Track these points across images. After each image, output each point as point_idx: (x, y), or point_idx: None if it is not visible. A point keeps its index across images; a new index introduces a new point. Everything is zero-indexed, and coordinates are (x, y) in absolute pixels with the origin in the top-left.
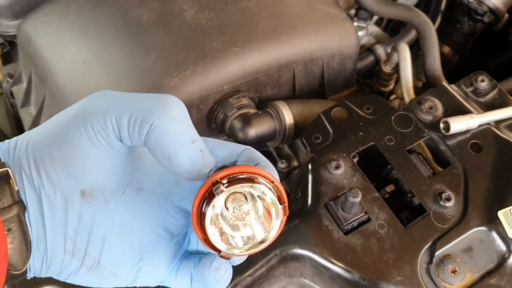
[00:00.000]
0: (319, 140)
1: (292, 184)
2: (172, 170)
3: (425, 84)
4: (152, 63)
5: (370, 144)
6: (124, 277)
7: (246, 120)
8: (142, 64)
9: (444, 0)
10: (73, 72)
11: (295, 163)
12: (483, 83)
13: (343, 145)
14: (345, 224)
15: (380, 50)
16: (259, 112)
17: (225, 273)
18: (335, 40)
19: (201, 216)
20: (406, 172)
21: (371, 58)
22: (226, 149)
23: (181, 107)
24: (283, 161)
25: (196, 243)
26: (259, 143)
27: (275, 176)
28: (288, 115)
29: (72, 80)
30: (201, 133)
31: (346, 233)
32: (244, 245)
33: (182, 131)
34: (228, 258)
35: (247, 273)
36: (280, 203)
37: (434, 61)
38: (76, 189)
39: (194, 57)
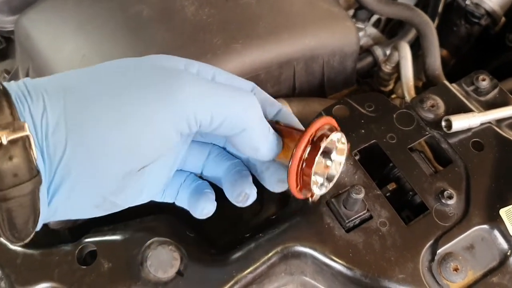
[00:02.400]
0: None
1: None
2: (257, 157)
3: (425, 83)
4: None
5: (372, 142)
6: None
7: None
8: None
9: (441, 3)
10: (71, 68)
11: None
12: (484, 82)
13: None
14: (347, 221)
15: (379, 52)
16: None
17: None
18: (335, 38)
19: (306, 164)
20: (408, 170)
21: (369, 59)
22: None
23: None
24: None
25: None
26: None
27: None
28: None
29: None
30: None
31: (348, 230)
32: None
33: (264, 127)
34: (315, 201)
35: (248, 270)
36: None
37: (435, 61)
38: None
39: (194, 53)
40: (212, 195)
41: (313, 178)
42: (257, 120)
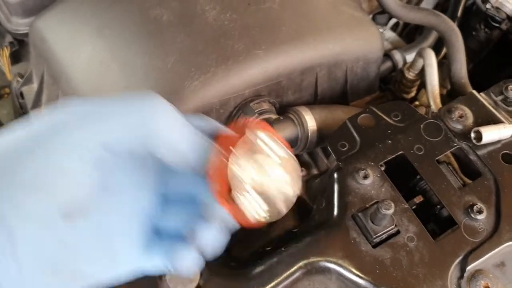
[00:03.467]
0: (345, 148)
1: (313, 193)
2: (187, 166)
3: (450, 91)
4: (172, 65)
5: (399, 153)
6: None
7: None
8: (162, 65)
9: (460, 7)
10: (89, 72)
11: (315, 171)
12: None
13: (370, 153)
14: (374, 236)
15: (398, 56)
16: (281, 118)
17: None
18: (359, 44)
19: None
20: (435, 183)
21: (388, 64)
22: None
23: (167, 106)
24: (303, 169)
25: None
26: None
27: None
28: (311, 121)
29: (88, 81)
30: None
31: (375, 246)
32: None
33: (181, 126)
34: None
35: (270, 285)
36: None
37: (461, 68)
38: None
39: (215, 59)
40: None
41: (245, 195)
42: (169, 127)
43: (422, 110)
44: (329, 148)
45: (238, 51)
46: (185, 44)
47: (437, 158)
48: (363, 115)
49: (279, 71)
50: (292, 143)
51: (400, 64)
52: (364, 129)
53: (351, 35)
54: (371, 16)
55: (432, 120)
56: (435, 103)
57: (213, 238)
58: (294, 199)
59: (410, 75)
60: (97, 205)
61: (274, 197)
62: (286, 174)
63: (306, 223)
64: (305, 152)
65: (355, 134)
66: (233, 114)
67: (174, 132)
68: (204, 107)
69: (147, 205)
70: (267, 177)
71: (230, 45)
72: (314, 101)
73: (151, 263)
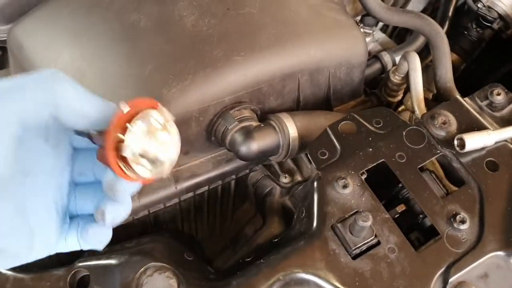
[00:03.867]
0: (325, 156)
1: (296, 201)
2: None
3: (436, 96)
4: (149, 73)
5: (380, 161)
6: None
7: (248, 133)
8: (139, 73)
9: (452, 7)
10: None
11: (299, 178)
12: (499, 96)
13: (351, 162)
14: (353, 248)
15: (387, 58)
16: (262, 125)
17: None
18: (342, 48)
19: (117, 149)
20: (418, 192)
21: (377, 66)
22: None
23: (70, 80)
24: (286, 175)
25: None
26: (261, 158)
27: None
28: (292, 128)
29: None
30: (201, 147)
31: (354, 257)
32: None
33: (84, 96)
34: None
35: None
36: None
37: (446, 73)
38: None
39: (193, 66)
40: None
41: (131, 157)
42: (70, 96)
43: (407, 115)
44: (309, 156)
45: (216, 57)
46: (163, 51)
47: (419, 166)
48: (344, 122)
49: (259, 78)
50: (274, 150)
51: (389, 65)
52: (344, 137)
53: (333, 40)
54: (358, 18)
55: (414, 127)
56: (419, 108)
57: (117, 211)
58: (176, 159)
59: (396, 78)
60: (13, 185)
61: (159, 158)
62: (170, 138)
63: (287, 233)
64: (288, 158)
65: (335, 142)
66: (213, 121)
67: (78, 99)
68: (183, 115)
69: (60, 186)
70: (154, 140)
71: (208, 51)
72: (297, 107)
73: (65, 243)
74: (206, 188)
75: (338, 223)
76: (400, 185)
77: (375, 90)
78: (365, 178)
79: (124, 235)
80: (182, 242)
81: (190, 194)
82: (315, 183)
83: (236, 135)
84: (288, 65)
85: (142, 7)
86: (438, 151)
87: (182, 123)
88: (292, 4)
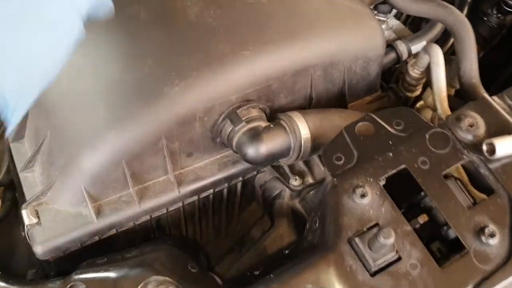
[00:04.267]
0: (341, 162)
1: (307, 205)
2: None
3: (459, 92)
4: (150, 68)
5: (401, 167)
6: None
7: (256, 135)
8: (139, 68)
9: None
10: (59, 75)
11: (310, 180)
12: None
13: (369, 167)
14: (372, 264)
15: (402, 47)
16: (271, 125)
17: None
18: (358, 41)
19: None
20: (442, 201)
21: (392, 56)
22: None
23: None
24: (296, 177)
25: None
26: (271, 160)
27: None
28: (304, 129)
29: (59, 85)
30: (205, 148)
31: (373, 274)
32: None
33: None
34: None
35: None
36: None
37: (471, 67)
38: None
39: (197, 62)
40: None
41: None
42: None
43: (428, 113)
44: (323, 161)
45: (222, 52)
46: (164, 45)
47: (444, 172)
48: (361, 123)
49: (268, 74)
50: (284, 152)
51: (404, 55)
52: (362, 140)
53: (349, 32)
54: (372, 7)
55: (438, 130)
56: (442, 107)
57: None
58: None
59: (415, 72)
60: None
61: None
62: None
63: (298, 244)
64: (299, 161)
65: (351, 146)
66: (219, 121)
67: None
68: (186, 116)
69: None
70: None
71: (213, 45)
72: (309, 104)
73: None
74: (211, 191)
75: (356, 236)
76: (422, 193)
77: (392, 85)
78: (384, 186)
79: (125, 241)
80: (186, 250)
81: (195, 198)
82: (330, 192)
83: (243, 137)
84: (300, 59)
85: None
86: (465, 156)
87: (185, 124)
88: None
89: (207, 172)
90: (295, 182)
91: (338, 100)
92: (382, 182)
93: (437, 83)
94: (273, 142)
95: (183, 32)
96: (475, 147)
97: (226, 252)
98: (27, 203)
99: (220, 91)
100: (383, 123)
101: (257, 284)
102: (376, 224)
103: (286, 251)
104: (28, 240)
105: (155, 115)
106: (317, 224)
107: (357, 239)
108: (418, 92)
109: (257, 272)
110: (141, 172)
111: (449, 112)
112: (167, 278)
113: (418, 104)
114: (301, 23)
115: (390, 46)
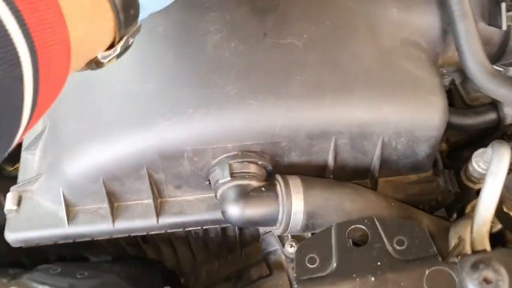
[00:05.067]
0: (313, 265)
1: None
2: None
3: None
4: (147, 94)
5: None
6: None
7: (242, 195)
8: (138, 91)
9: None
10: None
11: None
12: None
13: (341, 286)
14: None
15: (508, 110)
16: (263, 188)
17: None
18: (405, 116)
19: None
20: None
21: (491, 116)
22: None
23: None
24: (293, 243)
25: None
26: (252, 225)
27: None
28: (298, 204)
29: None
30: (195, 185)
31: None
32: None
33: None
34: None
35: None
36: None
37: None
38: None
39: (197, 99)
40: None
41: None
42: None
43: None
44: (294, 258)
45: (227, 95)
46: (170, 72)
47: None
48: (356, 225)
49: (276, 131)
50: (269, 222)
51: (508, 119)
52: (348, 247)
53: (395, 102)
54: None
55: (445, 270)
56: (476, 243)
57: None
58: None
59: (480, 167)
60: None
61: None
62: None
63: None
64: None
65: (334, 250)
66: (210, 165)
67: None
68: (173, 152)
69: None
70: None
71: (221, 85)
72: (332, 168)
73: None
74: (198, 228)
75: None
76: None
77: (447, 170)
78: None
79: (102, 249)
80: (153, 280)
81: (179, 229)
82: None
83: (228, 192)
84: (320, 123)
85: (167, 10)
86: None
87: (171, 160)
88: (357, 44)
89: (193, 209)
90: (290, 249)
91: (369, 171)
92: None
93: (482, 208)
94: (257, 209)
95: (194, 62)
96: None
97: (224, 278)
98: (15, 186)
99: (215, 137)
100: (382, 235)
101: None
102: None
103: None
104: None
105: (138, 144)
106: None
107: None
108: (481, 185)
109: None
110: (122, 192)
111: (488, 247)
112: None
113: (468, 209)
114: (336, 81)
115: (491, 104)
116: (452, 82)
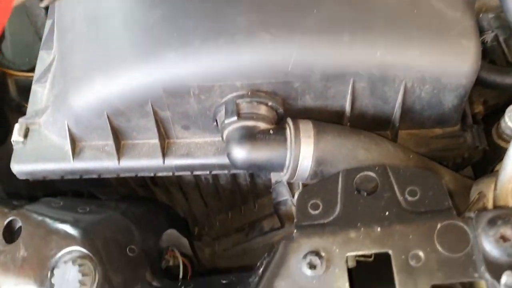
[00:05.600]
0: (316, 212)
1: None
2: None
3: None
4: (155, 22)
5: (384, 251)
6: None
7: (248, 136)
8: (145, 19)
9: None
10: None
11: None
12: None
13: (344, 235)
14: None
15: None
16: (271, 130)
17: None
18: (431, 59)
19: None
20: None
21: None
22: None
23: None
24: None
25: None
26: (257, 169)
27: None
28: (308, 149)
29: (75, 8)
30: (204, 126)
31: None
32: None
33: None
34: None
35: None
36: None
37: None
38: None
39: (205, 30)
40: None
41: None
42: None
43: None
44: (295, 203)
45: (237, 27)
46: (174, 2)
47: (436, 282)
48: (365, 173)
49: (287, 69)
50: (275, 167)
51: None
52: (355, 195)
53: (418, 44)
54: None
55: (459, 224)
56: (499, 199)
57: None
58: None
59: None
60: None
61: None
62: None
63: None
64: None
65: (339, 197)
66: (218, 104)
67: None
68: (178, 88)
69: None
70: None
71: (232, 15)
72: (350, 114)
73: None
74: (206, 172)
75: None
76: None
77: (476, 125)
78: (350, 268)
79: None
80: (159, 223)
81: (187, 173)
82: (284, 243)
83: (234, 133)
84: (336, 62)
85: None
86: (476, 275)
87: (176, 96)
88: None
89: (200, 152)
90: None
91: (390, 122)
92: (351, 263)
93: (510, 160)
94: (263, 152)
95: None
96: (496, 269)
97: (236, 229)
98: (23, 117)
99: (222, 72)
100: (394, 184)
101: None
102: None
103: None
104: None
105: (142, 78)
106: (259, 271)
107: None
108: None
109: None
110: (128, 129)
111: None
112: (87, 254)
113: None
114: (355, 16)
115: None
116: (495, 39)
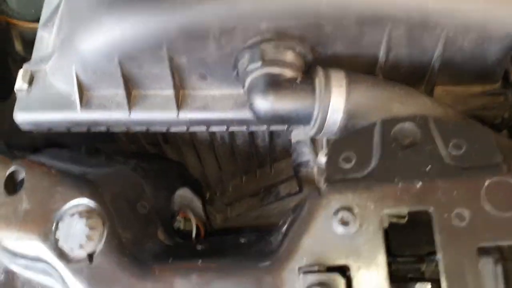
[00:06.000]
0: (348, 165)
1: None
2: None
3: None
4: None
5: (424, 208)
6: None
7: (273, 85)
8: None
9: None
10: None
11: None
12: None
13: (378, 190)
14: None
15: None
16: (299, 79)
17: None
18: (478, 5)
19: None
20: (457, 282)
21: None
22: None
23: None
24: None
25: None
26: (281, 122)
27: None
28: (338, 101)
29: None
30: (222, 76)
31: None
32: None
33: None
34: None
35: None
36: None
37: None
38: None
39: None
40: None
41: None
42: None
43: None
44: (326, 156)
45: None
46: None
47: (481, 245)
48: (407, 123)
49: (319, 9)
50: (302, 119)
51: None
52: (393, 147)
53: None
54: None
55: (508, 180)
56: None
57: None
58: None
59: None
60: None
61: None
62: None
63: (265, 239)
64: (324, 137)
65: (374, 149)
66: (239, 50)
67: None
68: (196, 29)
69: None
70: None
71: None
72: (383, 65)
73: None
74: (222, 128)
75: (309, 273)
76: (437, 256)
77: None
78: (386, 228)
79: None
80: (171, 181)
81: (202, 128)
82: (311, 199)
83: (257, 81)
84: (374, 4)
85: None
86: None
87: (194, 39)
88: None
89: (218, 105)
90: (323, 159)
91: (427, 73)
92: (385, 223)
93: None
94: (289, 102)
95: None
96: None
97: (250, 194)
98: (27, 63)
99: (246, 12)
100: (437, 137)
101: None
102: (342, 269)
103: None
104: None
105: (156, 18)
106: (283, 229)
107: (309, 276)
108: None
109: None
110: (140, 77)
111: None
112: (96, 208)
113: None
114: None
115: None
116: None
